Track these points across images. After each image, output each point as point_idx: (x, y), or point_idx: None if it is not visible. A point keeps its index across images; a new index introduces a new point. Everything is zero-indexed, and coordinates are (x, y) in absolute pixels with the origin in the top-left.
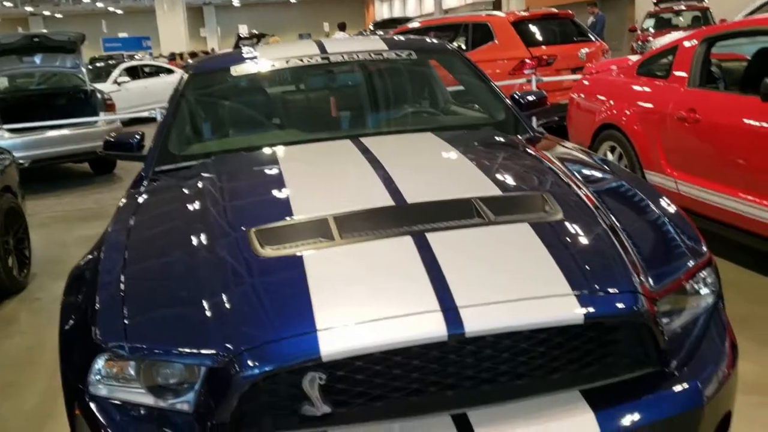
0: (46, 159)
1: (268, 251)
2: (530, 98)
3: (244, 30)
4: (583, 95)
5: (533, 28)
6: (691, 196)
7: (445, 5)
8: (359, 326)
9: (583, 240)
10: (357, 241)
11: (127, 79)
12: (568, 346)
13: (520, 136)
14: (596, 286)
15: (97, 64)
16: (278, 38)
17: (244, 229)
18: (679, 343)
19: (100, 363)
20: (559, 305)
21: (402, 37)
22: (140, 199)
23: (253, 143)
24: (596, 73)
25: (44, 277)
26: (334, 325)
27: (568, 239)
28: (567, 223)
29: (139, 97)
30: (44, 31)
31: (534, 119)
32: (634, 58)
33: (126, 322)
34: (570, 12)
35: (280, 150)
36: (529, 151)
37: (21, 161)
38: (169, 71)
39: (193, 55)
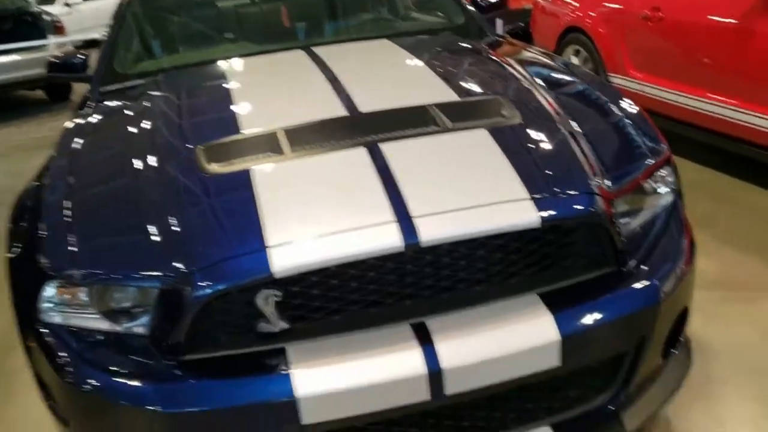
0: None
1: (216, 168)
2: (490, 0)
3: None
4: None
5: None
6: (655, 98)
7: None
8: (311, 241)
9: (541, 143)
10: (308, 155)
11: (78, 0)
12: (526, 250)
13: (480, 41)
14: (553, 189)
15: None
16: None
17: (191, 146)
18: (637, 242)
19: (50, 290)
20: (516, 210)
21: None
22: (85, 122)
23: (202, 58)
24: None
25: (2, 207)
26: (285, 240)
27: (525, 143)
28: (525, 127)
29: (91, 19)
30: None
31: (501, 25)
32: None
33: (73, 247)
34: None
35: (229, 63)
36: (488, 55)
37: None
38: None
39: None
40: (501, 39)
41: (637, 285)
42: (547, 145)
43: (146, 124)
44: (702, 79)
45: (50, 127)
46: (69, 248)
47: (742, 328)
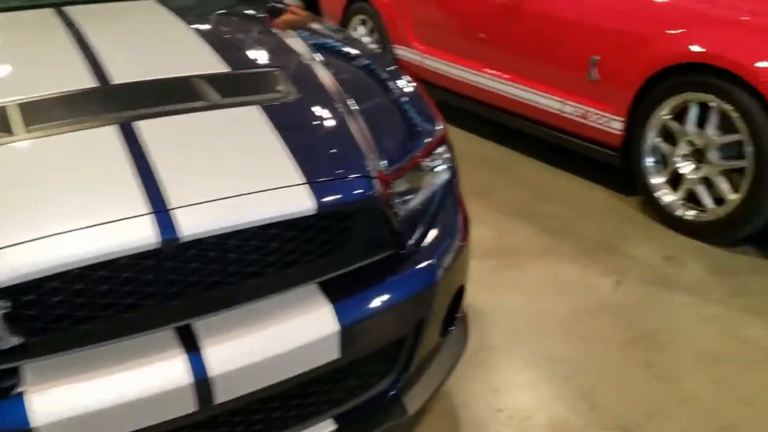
0: None
1: None
2: None
3: None
4: None
5: None
6: (436, 71)
7: None
8: (43, 242)
9: (318, 123)
10: (45, 135)
11: None
12: (302, 238)
13: (260, 9)
14: (330, 172)
15: None
16: None
17: None
18: (415, 222)
19: None
20: (290, 196)
21: None
22: None
23: None
24: None
25: None
26: (8, 242)
27: (301, 122)
28: (301, 105)
29: None
30: None
31: None
32: None
33: None
34: None
35: None
36: (267, 25)
37: None
38: None
39: None
40: (284, 7)
41: (416, 267)
42: (324, 125)
43: None
44: (478, 54)
45: None
46: None
47: (513, 294)
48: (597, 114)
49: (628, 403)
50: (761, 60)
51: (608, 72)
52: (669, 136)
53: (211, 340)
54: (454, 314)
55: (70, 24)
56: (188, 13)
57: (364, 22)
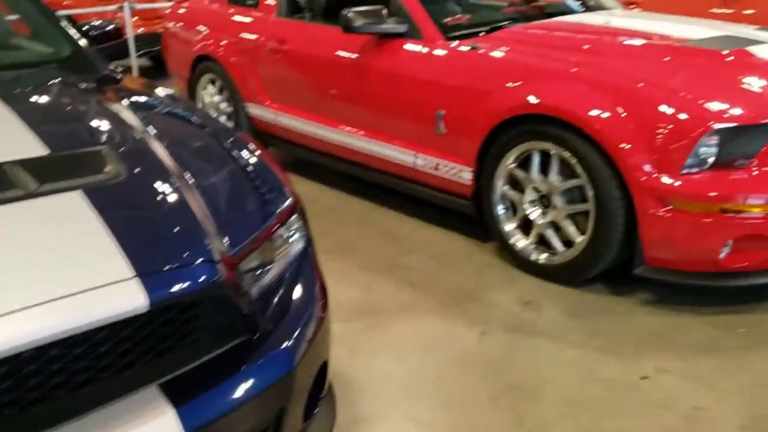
0: None
1: None
2: (101, 30)
3: None
4: (180, 24)
5: None
6: (290, 128)
7: None
8: None
9: (150, 205)
10: None
11: None
12: (138, 337)
13: (88, 78)
14: (163, 261)
15: None
16: None
17: None
18: (268, 299)
19: None
20: (115, 294)
21: None
22: None
23: None
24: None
25: None
26: None
27: (131, 206)
28: (130, 186)
29: None
30: None
31: (124, 53)
32: None
33: None
34: None
35: None
36: (96, 97)
37: None
38: None
39: None
40: (117, 76)
41: (271, 351)
42: (157, 207)
43: None
44: (331, 110)
45: None
46: None
47: (381, 356)
48: (447, 165)
49: None
50: (592, 108)
51: (454, 125)
52: (516, 184)
53: None
54: (318, 395)
55: None
56: (2, 88)
57: (213, 81)
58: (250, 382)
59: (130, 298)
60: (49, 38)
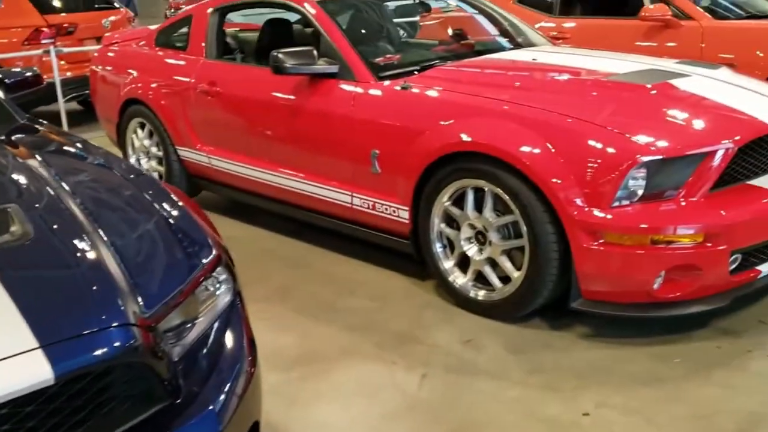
0: None
1: None
2: (18, 78)
3: None
4: (108, 67)
5: None
6: (224, 171)
7: None
8: None
9: (59, 267)
10: None
11: None
12: (45, 412)
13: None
14: (71, 328)
15: None
16: None
17: None
18: (191, 360)
19: None
20: (18, 367)
21: None
22: None
23: None
24: (118, 43)
25: None
26: None
27: (36, 269)
28: (37, 248)
29: None
30: None
31: (49, 98)
32: (155, 27)
33: None
34: None
35: None
36: (5, 150)
37: None
38: None
39: None
40: (32, 126)
41: (195, 416)
42: (67, 269)
43: None
44: (266, 152)
45: None
46: None
47: (320, 406)
48: (384, 204)
49: None
50: (522, 145)
51: (389, 165)
52: (453, 221)
53: None
54: None
55: None
56: None
57: (142, 125)
58: None
59: (32, 370)
60: None
